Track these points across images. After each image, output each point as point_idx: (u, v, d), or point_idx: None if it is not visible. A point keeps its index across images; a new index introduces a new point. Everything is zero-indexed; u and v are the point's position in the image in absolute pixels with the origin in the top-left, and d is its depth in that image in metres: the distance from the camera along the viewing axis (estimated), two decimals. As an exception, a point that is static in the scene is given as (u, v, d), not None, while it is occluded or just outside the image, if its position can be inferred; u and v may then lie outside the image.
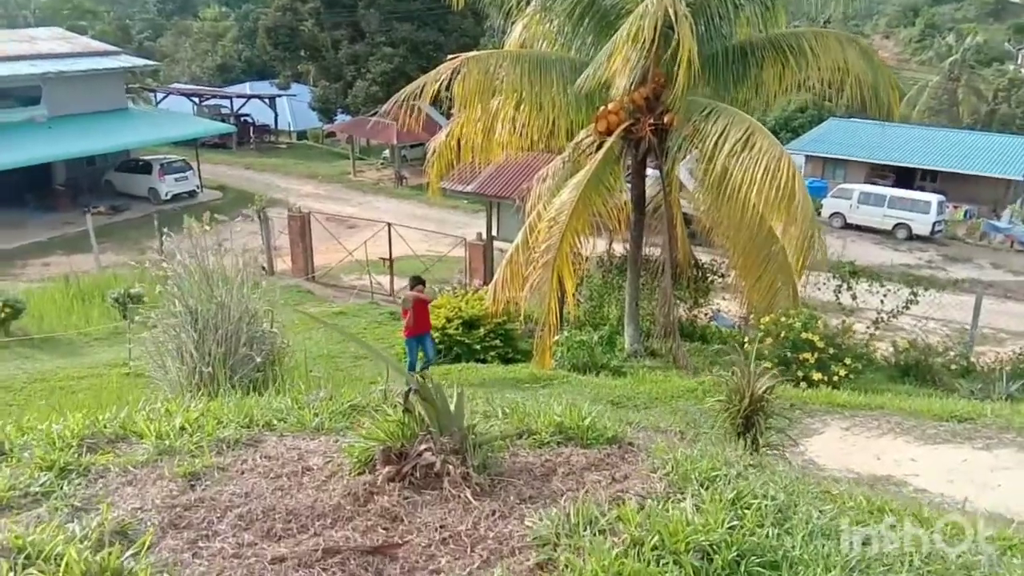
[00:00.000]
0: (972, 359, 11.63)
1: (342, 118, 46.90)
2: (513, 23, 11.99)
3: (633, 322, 12.11)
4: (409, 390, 2.81)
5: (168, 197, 28.61)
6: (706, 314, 14.86)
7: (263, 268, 20.33)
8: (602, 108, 10.82)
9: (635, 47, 8.87)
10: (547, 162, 13.19)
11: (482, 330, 11.62)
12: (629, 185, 11.55)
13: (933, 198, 33.13)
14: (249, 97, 46.25)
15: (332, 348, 13.59)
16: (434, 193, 12.69)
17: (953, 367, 11.18)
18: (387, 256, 18.51)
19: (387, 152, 41.50)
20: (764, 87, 11.45)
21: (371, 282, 18.55)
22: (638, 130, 10.87)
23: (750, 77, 11.08)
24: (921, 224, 32.56)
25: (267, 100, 46.46)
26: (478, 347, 11.49)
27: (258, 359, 5.99)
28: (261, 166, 40.10)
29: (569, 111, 10.33)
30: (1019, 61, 67.44)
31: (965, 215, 35.25)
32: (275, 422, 3.50)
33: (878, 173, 38.18)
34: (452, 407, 2.83)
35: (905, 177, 37.61)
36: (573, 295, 9.89)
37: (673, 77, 10.22)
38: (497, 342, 11.75)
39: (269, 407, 3.78)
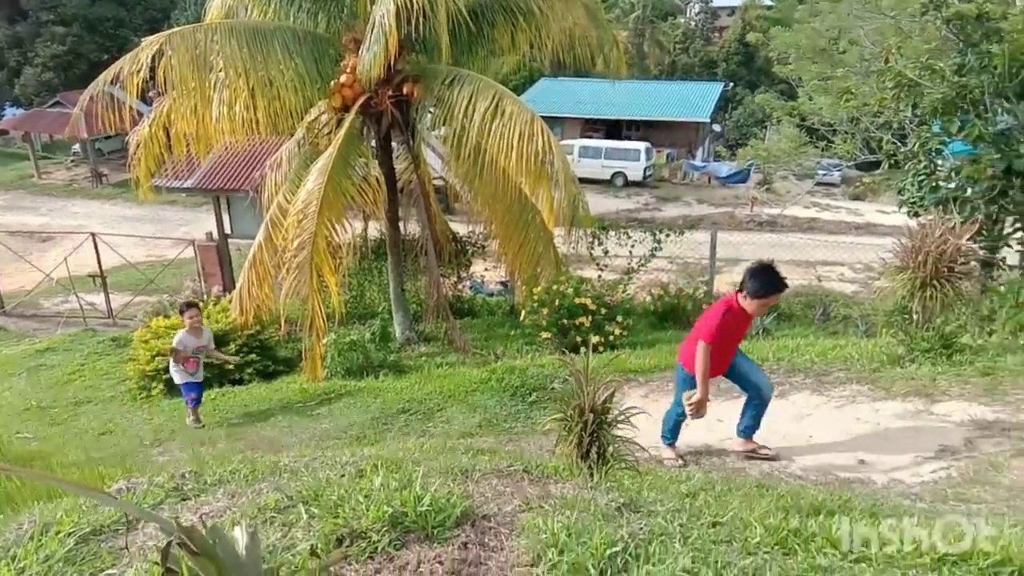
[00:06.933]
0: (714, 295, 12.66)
1: (12, 111, 39.79)
2: (213, -12, 10.42)
3: (401, 308, 11.41)
4: (168, 543, 1.82)
5: None
6: (468, 286, 14.61)
7: (-72, 308, 16.36)
8: (334, 82, 9.77)
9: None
10: (278, 147, 11.81)
11: (233, 346, 10.07)
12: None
13: (642, 146, 36.35)
14: None
15: (42, 394, 11.12)
16: (146, 194, 10.70)
17: (703, 307, 12.02)
18: (97, 272, 15.68)
19: (77, 147, 35.92)
20: (498, 50, 11.18)
21: (81, 305, 15.63)
22: (377, 104, 10.02)
23: (484, 40, 10.71)
24: (634, 171, 35.60)
25: (-100, 96, 37.77)
26: (231, 366, 9.96)
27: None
28: (-94, 179, 32.82)
29: (300, 86, 9.13)
30: (687, 15, 76.47)
31: (667, 158, 39.19)
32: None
33: (591, 127, 40.97)
34: (242, 551, 1.90)
35: (614, 129, 40.86)
36: (337, 291, 8.86)
37: (412, 43, 9.50)
38: (253, 356, 10.29)
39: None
